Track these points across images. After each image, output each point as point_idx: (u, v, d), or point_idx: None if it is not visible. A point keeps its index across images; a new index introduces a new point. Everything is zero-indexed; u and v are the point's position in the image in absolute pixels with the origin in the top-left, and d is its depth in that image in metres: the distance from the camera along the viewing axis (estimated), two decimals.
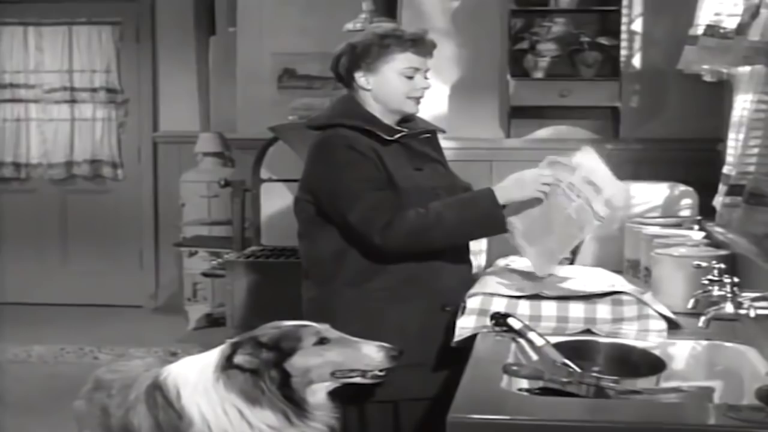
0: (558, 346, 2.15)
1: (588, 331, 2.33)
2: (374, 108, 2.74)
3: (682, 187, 3.38)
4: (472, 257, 2.93)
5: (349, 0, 4.71)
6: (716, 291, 2.21)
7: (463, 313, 2.44)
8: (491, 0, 4.16)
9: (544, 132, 4.20)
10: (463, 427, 1.69)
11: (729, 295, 2.18)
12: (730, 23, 2.84)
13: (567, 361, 2.07)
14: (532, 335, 2.20)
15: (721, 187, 3.07)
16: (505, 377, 1.96)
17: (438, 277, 2.68)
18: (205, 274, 5.97)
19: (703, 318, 2.17)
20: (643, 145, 4.09)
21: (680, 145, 4.04)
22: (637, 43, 4.09)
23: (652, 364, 2.08)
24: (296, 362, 2.33)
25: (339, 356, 2.35)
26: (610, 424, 1.68)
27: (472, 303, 2.43)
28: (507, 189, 2.57)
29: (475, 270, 2.99)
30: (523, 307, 2.41)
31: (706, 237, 3.00)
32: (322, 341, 2.36)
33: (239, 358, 2.32)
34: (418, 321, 2.64)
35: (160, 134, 7.23)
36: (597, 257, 3.23)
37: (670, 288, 2.58)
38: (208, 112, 6.80)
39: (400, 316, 2.63)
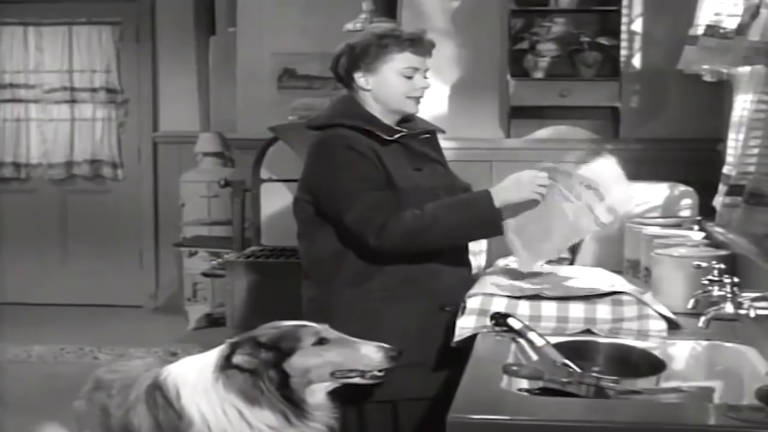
0: (558, 347, 2.15)
1: (588, 332, 2.33)
2: (374, 108, 2.74)
3: (682, 187, 3.38)
4: (472, 257, 2.93)
5: (349, 0, 4.71)
6: (716, 291, 2.21)
7: (463, 313, 2.44)
8: (491, 0, 4.16)
9: (544, 132, 4.20)
10: (463, 427, 1.69)
11: (729, 295, 2.18)
12: (730, 23, 2.84)
13: (567, 362, 2.07)
14: (532, 335, 2.20)
15: (721, 187, 3.07)
16: (505, 377, 1.96)
17: (437, 278, 2.68)
18: (205, 274, 5.97)
19: (703, 318, 2.18)
20: (643, 145, 4.09)
21: (680, 145, 4.04)
22: (637, 43, 4.09)
23: (652, 365, 2.08)
24: (295, 362, 2.33)
25: (338, 356, 2.35)
26: (610, 424, 1.67)
27: (472, 303, 2.43)
28: (504, 190, 2.57)
29: (475, 270, 2.99)
30: (523, 308, 2.41)
31: (706, 237, 3.00)
32: (321, 341, 2.36)
33: (238, 358, 2.32)
34: (417, 321, 2.64)
35: (160, 134, 7.23)
36: (597, 257, 3.23)
37: (670, 288, 2.58)
38: (208, 112, 6.80)
39: (398, 316, 2.63)
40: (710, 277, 2.24)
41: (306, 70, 5.72)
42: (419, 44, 2.71)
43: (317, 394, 2.37)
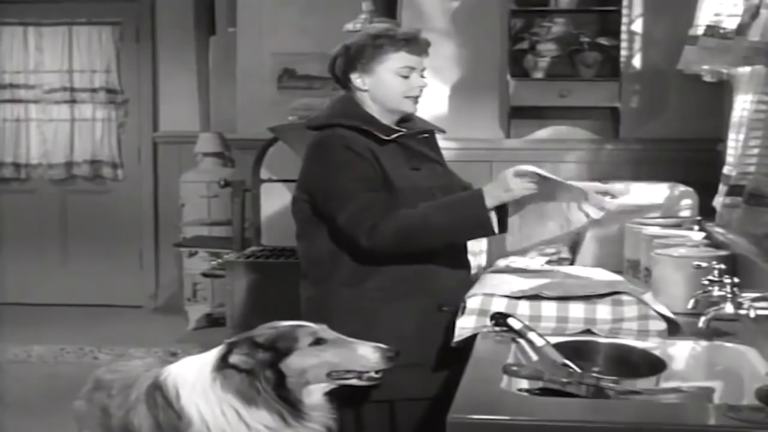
0: (558, 347, 2.15)
1: (588, 332, 2.33)
2: (372, 108, 2.74)
3: (682, 188, 3.38)
4: (471, 257, 2.93)
5: (349, 0, 4.71)
6: (716, 291, 2.21)
7: (462, 313, 2.44)
8: (491, 0, 4.16)
9: (544, 132, 4.20)
10: (463, 428, 1.69)
11: (729, 295, 2.18)
12: (730, 23, 2.84)
13: (567, 362, 2.07)
14: (532, 335, 2.20)
15: (721, 188, 3.07)
16: (505, 377, 1.96)
17: (435, 277, 2.68)
18: (205, 275, 5.97)
19: (703, 318, 2.18)
20: (643, 146, 4.09)
21: (680, 146, 4.04)
22: (637, 44, 4.09)
23: (652, 365, 2.08)
24: (292, 363, 2.33)
25: (335, 357, 2.35)
26: (610, 424, 1.67)
27: (472, 303, 2.43)
28: (495, 189, 2.55)
29: (474, 270, 2.99)
30: (523, 308, 2.41)
31: (706, 237, 3.00)
32: (319, 342, 2.36)
33: (235, 358, 2.32)
34: (415, 321, 2.64)
35: (160, 134, 7.24)
36: (597, 257, 3.23)
37: (670, 288, 2.58)
38: (208, 112, 6.81)
39: (396, 315, 2.63)
40: (710, 278, 2.24)
41: (306, 70, 5.72)
42: (414, 43, 2.71)
43: (314, 395, 2.37)
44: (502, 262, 2.99)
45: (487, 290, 2.48)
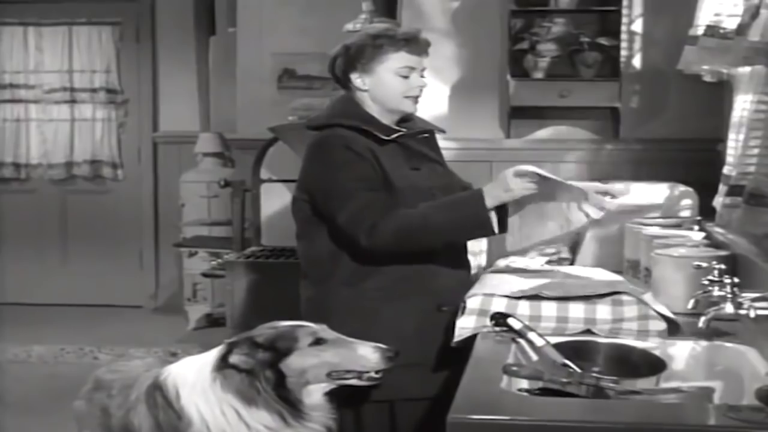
0: (558, 347, 2.15)
1: (588, 332, 2.33)
2: (372, 108, 2.74)
3: (682, 188, 3.38)
4: (471, 257, 2.93)
5: (349, 0, 4.71)
6: (716, 291, 2.21)
7: (462, 313, 2.44)
8: (491, 0, 4.16)
9: (544, 132, 4.20)
10: (463, 428, 1.69)
11: (729, 295, 2.18)
12: (730, 24, 2.84)
13: (567, 362, 2.07)
14: (532, 335, 2.20)
15: (721, 188, 3.07)
16: (505, 378, 1.96)
17: (434, 277, 2.68)
18: (205, 275, 5.98)
19: (703, 318, 2.18)
20: (643, 146, 4.09)
21: (680, 146, 4.04)
22: (637, 44, 4.09)
23: (652, 365, 2.08)
24: (292, 363, 2.33)
25: (335, 357, 2.35)
26: (610, 424, 1.67)
27: (472, 303, 2.43)
28: (495, 189, 2.55)
29: (474, 270, 2.99)
30: (523, 308, 2.41)
31: (706, 237, 3.00)
32: (318, 342, 2.36)
33: (235, 358, 2.32)
34: (414, 321, 2.64)
35: (160, 134, 7.24)
36: (597, 257, 3.23)
37: (670, 288, 2.58)
38: (208, 112, 6.81)
39: (396, 315, 2.63)
40: (710, 278, 2.24)
41: (306, 70, 5.72)
42: (414, 43, 2.71)
43: (314, 395, 2.37)
44: (502, 262, 2.99)
45: (487, 290, 2.48)
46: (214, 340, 2.60)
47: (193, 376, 2.38)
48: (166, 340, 6.10)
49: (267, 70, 5.74)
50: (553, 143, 4.15)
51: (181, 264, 6.61)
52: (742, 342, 2.21)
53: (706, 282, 2.24)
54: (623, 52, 4.05)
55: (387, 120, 2.75)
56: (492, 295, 2.45)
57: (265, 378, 2.31)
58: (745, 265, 2.55)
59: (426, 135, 2.86)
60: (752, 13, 2.58)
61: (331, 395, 2.42)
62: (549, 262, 3.08)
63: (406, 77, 2.70)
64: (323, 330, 2.39)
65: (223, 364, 2.34)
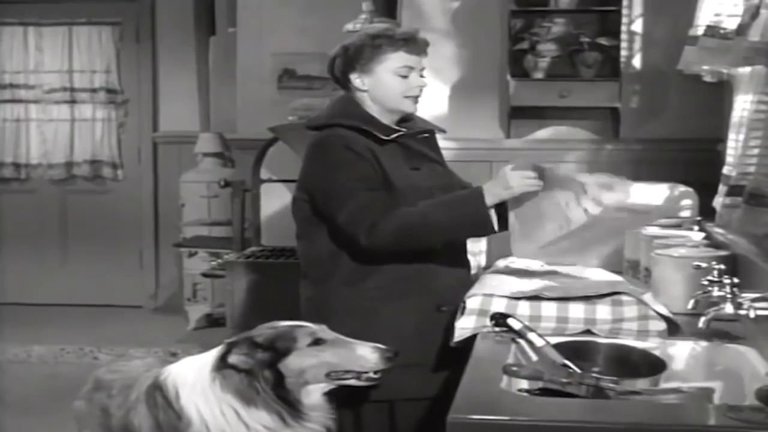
0: (558, 347, 2.15)
1: (588, 332, 2.33)
2: (372, 108, 2.74)
3: (682, 188, 3.38)
4: (471, 257, 2.93)
5: (349, 0, 4.71)
6: (716, 292, 2.21)
7: (462, 313, 2.44)
8: (491, 0, 4.16)
9: (544, 132, 4.21)
10: (463, 428, 1.69)
11: (729, 295, 2.18)
12: (730, 24, 2.84)
13: (567, 362, 2.07)
14: (531, 336, 2.20)
15: (721, 188, 3.07)
16: (505, 378, 1.96)
17: (434, 277, 2.68)
18: (205, 275, 5.97)
19: (703, 318, 2.18)
20: (643, 146, 4.09)
21: (680, 146, 4.04)
22: (637, 44, 4.09)
23: (652, 365, 2.08)
24: (291, 363, 2.33)
25: (334, 357, 2.36)
26: (610, 424, 1.67)
27: (472, 303, 2.43)
28: (494, 187, 2.55)
29: (474, 270, 2.99)
30: (523, 308, 2.41)
31: (706, 238, 3.00)
32: (317, 342, 2.36)
33: (234, 358, 2.32)
34: (414, 321, 2.64)
35: (160, 134, 7.24)
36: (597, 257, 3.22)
37: (670, 288, 2.57)
38: (208, 113, 6.80)
39: (395, 315, 2.63)
40: (710, 278, 2.24)
41: (306, 70, 5.71)
42: (413, 43, 2.71)
43: (313, 395, 2.38)
44: (501, 263, 2.99)
45: (487, 290, 2.48)
46: (214, 340, 2.60)
47: (192, 376, 2.38)
48: (166, 340, 6.10)
49: (267, 70, 5.74)
50: (553, 143, 4.15)
51: (181, 264, 6.60)
52: (742, 342, 2.21)
53: (706, 282, 2.24)
54: (623, 52, 4.06)
55: (387, 120, 2.75)
56: (492, 295, 2.45)
57: (264, 378, 2.31)
58: (745, 266, 2.55)
59: (426, 135, 2.86)
60: (752, 13, 2.58)
61: (331, 395, 2.42)
62: (549, 263, 3.08)
63: (405, 77, 2.70)
64: (322, 330, 2.39)
65: (222, 364, 2.34)
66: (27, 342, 6.12)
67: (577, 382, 1.92)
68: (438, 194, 2.68)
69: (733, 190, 2.90)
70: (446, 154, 2.95)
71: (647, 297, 2.43)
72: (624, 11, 4.02)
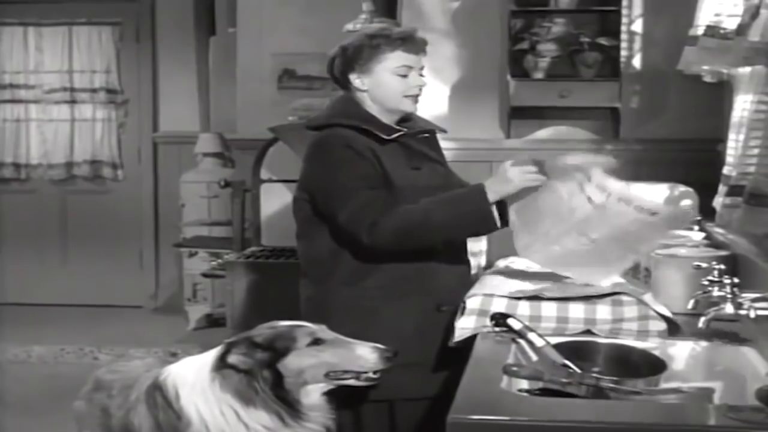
0: (558, 347, 2.15)
1: (588, 332, 2.33)
2: (372, 108, 2.74)
3: (682, 188, 3.37)
4: (471, 257, 2.92)
5: (349, 0, 4.71)
6: (716, 292, 2.21)
7: (462, 313, 2.43)
8: (491, 0, 4.16)
9: (544, 132, 4.21)
10: (463, 428, 1.69)
11: (729, 295, 2.18)
12: (730, 24, 2.84)
13: (567, 362, 2.07)
14: (532, 336, 2.20)
15: (722, 188, 3.07)
16: (505, 378, 1.96)
17: (434, 277, 2.68)
18: (205, 275, 5.97)
19: (703, 319, 2.18)
20: (643, 146, 4.09)
21: (680, 146, 4.04)
22: (637, 44, 4.09)
23: (652, 365, 2.08)
24: (290, 363, 2.33)
25: (333, 357, 2.36)
26: (610, 424, 1.67)
27: (472, 303, 2.43)
28: (495, 183, 2.55)
29: (474, 270, 2.99)
30: (523, 308, 2.41)
31: (706, 238, 3.00)
32: (317, 342, 2.36)
33: (233, 358, 2.33)
34: (414, 320, 2.64)
35: (160, 135, 7.24)
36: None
37: (670, 289, 2.57)
38: (208, 113, 6.80)
39: (395, 315, 2.63)
40: (710, 278, 2.24)
41: (306, 70, 5.71)
42: (411, 42, 2.70)
43: (312, 395, 2.38)
44: (501, 263, 2.99)
45: (487, 290, 2.48)
46: (214, 341, 2.59)
47: (192, 377, 2.39)
48: (166, 340, 6.10)
49: (267, 70, 5.74)
50: (553, 143, 4.15)
51: (181, 264, 6.60)
52: (742, 342, 2.21)
53: (706, 282, 2.24)
54: (623, 52, 4.06)
55: (387, 120, 2.74)
56: (492, 295, 2.45)
57: (263, 378, 2.31)
58: (745, 266, 2.55)
59: (426, 135, 2.86)
60: (752, 13, 2.58)
61: (330, 395, 2.42)
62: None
63: (404, 76, 2.70)
64: (321, 330, 2.39)
65: (221, 364, 2.34)
66: (27, 342, 6.12)
67: (577, 382, 1.92)
68: (439, 194, 2.67)
69: (733, 190, 2.90)
70: (446, 154, 2.95)
71: (647, 297, 2.43)
72: (624, 11, 4.02)
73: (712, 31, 2.91)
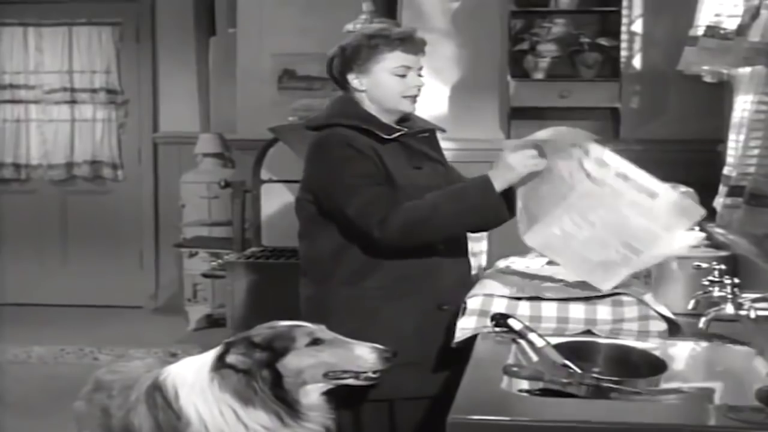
0: (558, 347, 2.15)
1: (588, 332, 2.33)
2: (371, 108, 2.74)
3: (683, 188, 3.37)
4: (472, 258, 2.92)
5: (349, 0, 4.71)
6: (717, 292, 2.21)
7: (463, 313, 2.43)
8: (491, 1, 4.16)
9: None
10: (463, 428, 1.69)
11: (729, 296, 2.18)
12: (731, 24, 2.84)
13: (567, 362, 2.07)
14: (532, 336, 2.20)
15: (722, 188, 3.07)
16: (506, 378, 1.96)
17: (434, 276, 2.68)
18: (205, 275, 5.97)
19: (703, 319, 2.18)
20: (643, 146, 4.08)
21: (680, 146, 4.04)
22: (637, 44, 4.09)
23: (652, 365, 2.08)
24: (289, 363, 2.33)
25: (332, 357, 2.36)
26: (610, 425, 1.67)
27: (473, 304, 2.43)
28: (499, 172, 2.55)
29: (474, 271, 2.99)
30: (524, 308, 2.41)
31: (706, 238, 3.00)
32: (316, 342, 2.36)
33: (232, 358, 2.33)
34: (414, 320, 2.64)
35: (160, 135, 7.24)
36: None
37: (670, 289, 2.57)
38: (208, 113, 6.80)
39: (395, 314, 2.63)
40: (711, 278, 2.24)
41: (306, 70, 5.72)
42: (410, 42, 2.70)
43: (311, 395, 2.38)
44: (502, 263, 2.99)
45: (488, 291, 2.47)
46: (214, 341, 2.59)
47: (191, 377, 2.39)
48: (166, 340, 6.10)
49: (267, 70, 5.74)
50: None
51: (182, 264, 6.60)
52: (742, 343, 2.21)
53: (707, 282, 2.24)
54: (623, 53, 4.06)
55: (386, 120, 2.74)
56: (492, 295, 2.45)
57: (262, 378, 2.31)
58: (746, 266, 2.55)
59: (426, 134, 2.86)
60: (752, 14, 2.58)
61: (330, 395, 2.42)
62: (549, 263, 3.08)
63: (403, 76, 2.70)
64: (321, 330, 2.39)
65: (220, 364, 2.34)
66: (27, 342, 6.12)
67: (577, 382, 1.92)
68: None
69: (734, 191, 2.90)
70: (446, 155, 2.95)
71: (648, 297, 2.42)
72: (624, 11, 4.03)
73: (712, 31, 2.91)
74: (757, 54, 2.54)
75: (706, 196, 3.22)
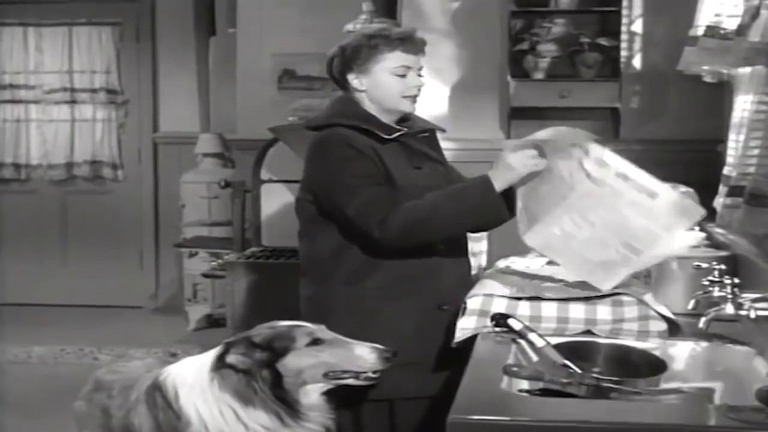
0: (558, 347, 2.15)
1: (588, 332, 2.33)
2: (371, 108, 2.74)
3: (683, 188, 3.37)
4: (472, 258, 2.92)
5: (349, 0, 4.71)
6: (717, 292, 2.21)
7: (463, 314, 2.43)
8: (491, 1, 4.16)
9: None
10: (463, 428, 1.69)
11: (729, 296, 2.18)
12: (731, 24, 2.84)
13: (567, 362, 2.07)
14: (532, 336, 2.20)
15: (722, 188, 3.07)
16: (506, 378, 1.96)
17: (434, 276, 2.68)
18: (205, 275, 5.97)
19: (703, 319, 2.18)
20: (643, 146, 4.08)
21: (680, 146, 4.04)
22: (637, 44, 4.09)
23: (652, 365, 2.08)
24: (289, 363, 2.33)
25: (332, 357, 2.36)
26: (610, 424, 1.67)
27: (473, 304, 2.43)
28: (499, 172, 2.55)
29: (474, 271, 2.99)
30: (524, 308, 2.41)
31: (706, 238, 3.00)
32: (316, 342, 2.36)
33: (232, 358, 2.33)
34: (414, 320, 2.64)
35: (160, 135, 7.24)
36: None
37: (670, 289, 2.57)
38: (208, 113, 6.81)
39: (395, 314, 2.63)
40: (711, 278, 2.24)
41: (306, 70, 5.72)
42: (410, 42, 2.70)
43: (311, 395, 2.38)
44: (502, 263, 2.99)
45: (488, 291, 2.47)
46: (215, 341, 2.59)
47: (191, 377, 2.39)
48: (166, 340, 6.10)
49: (267, 70, 5.74)
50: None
51: (182, 264, 6.60)
52: (742, 343, 2.21)
53: (707, 282, 2.24)
54: (623, 53, 4.06)
55: (386, 120, 2.74)
56: (492, 295, 2.44)
57: (261, 378, 2.31)
58: (746, 266, 2.55)
59: (426, 134, 2.86)
60: (752, 14, 2.58)
61: (330, 395, 2.42)
62: (549, 263, 3.08)
63: (402, 76, 2.70)
64: (321, 330, 2.39)
65: (220, 364, 2.34)
66: (27, 342, 6.12)
67: (577, 382, 1.92)
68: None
69: (734, 191, 2.90)
70: (446, 155, 2.95)
71: (648, 297, 2.42)
72: (624, 11, 4.03)
73: (712, 31, 2.91)
74: (757, 54, 2.54)
75: (706, 196, 3.22)
